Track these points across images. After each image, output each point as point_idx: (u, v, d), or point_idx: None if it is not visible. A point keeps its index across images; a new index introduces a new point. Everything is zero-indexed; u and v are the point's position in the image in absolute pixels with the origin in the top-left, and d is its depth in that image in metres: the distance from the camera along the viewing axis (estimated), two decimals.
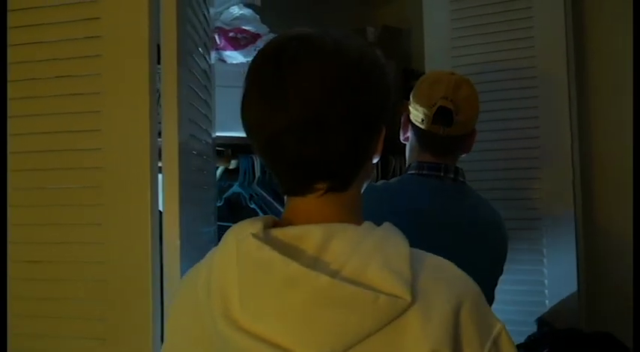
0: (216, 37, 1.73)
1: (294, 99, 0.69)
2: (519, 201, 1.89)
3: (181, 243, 1.12)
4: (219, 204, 2.05)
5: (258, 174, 1.92)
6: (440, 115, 1.29)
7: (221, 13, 1.74)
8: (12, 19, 1.17)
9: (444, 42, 1.98)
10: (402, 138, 1.44)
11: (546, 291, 1.84)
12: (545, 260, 1.85)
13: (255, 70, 0.74)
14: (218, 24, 1.74)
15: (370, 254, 0.68)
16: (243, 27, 1.75)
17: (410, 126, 1.40)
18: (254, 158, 1.86)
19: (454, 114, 1.29)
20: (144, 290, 1.10)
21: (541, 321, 1.80)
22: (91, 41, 1.13)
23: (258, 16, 1.79)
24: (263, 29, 1.80)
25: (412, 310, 0.66)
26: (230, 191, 1.98)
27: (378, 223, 0.76)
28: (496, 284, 1.41)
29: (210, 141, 1.45)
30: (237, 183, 1.95)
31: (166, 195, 1.12)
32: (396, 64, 2.33)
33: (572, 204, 1.82)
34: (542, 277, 1.85)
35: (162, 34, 1.13)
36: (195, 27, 1.30)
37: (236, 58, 1.75)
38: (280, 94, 0.70)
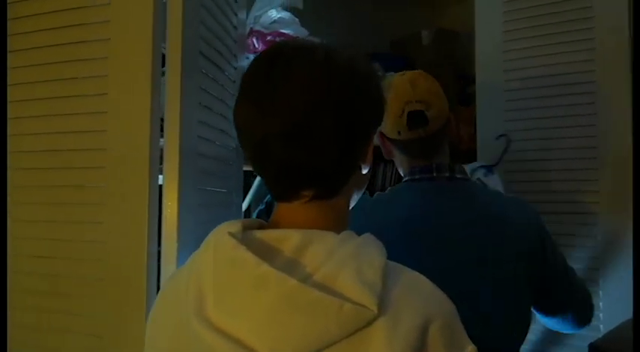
0: (254, 40, 1.74)
1: (282, 106, 0.71)
2: (574, 216, 1.75)
3: (179, 244, 1.12)
4: (261, 207, 2.09)
5: None
6: (413, 120, 1.24)
7: (260, 16, 1.75)
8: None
9: (496, 45, 1.87)
10: (385, 155, 1.37)
11: (601, 315, 1.69)
12: (600, 281, 1.70)
13: (247, 76, 0.77)
14: (257, 27, 1.75)
15: (344, 262, 0.68)
16: (282, 30, 1.76)
17: (389, 142, 1.33)
18: None
19: (425, 112, 1.23)
20: (139, 289, 1.11)
21: (593, 348, 1.65)
22: (100, 25, 1.18)
23: (297, 19, 1.79)
24: (302, 32, 1.79)
25: (379, 322, 0.65)
26: (269, 195, 1.99)
27: (360, 233, 0.75)
28: (528, 280, 1.25)
29: (233, 145, 1.45)
30: None
31: (166, 197, 1.12)
32: (453, 67, 2.25)
33: (631, 216, 1.66)
34: (596, 299, 1.69)
35: (167, 37, 1.14)
36: (212, 30, 1.30)
37: None
38: (269, 100, 0.72)
